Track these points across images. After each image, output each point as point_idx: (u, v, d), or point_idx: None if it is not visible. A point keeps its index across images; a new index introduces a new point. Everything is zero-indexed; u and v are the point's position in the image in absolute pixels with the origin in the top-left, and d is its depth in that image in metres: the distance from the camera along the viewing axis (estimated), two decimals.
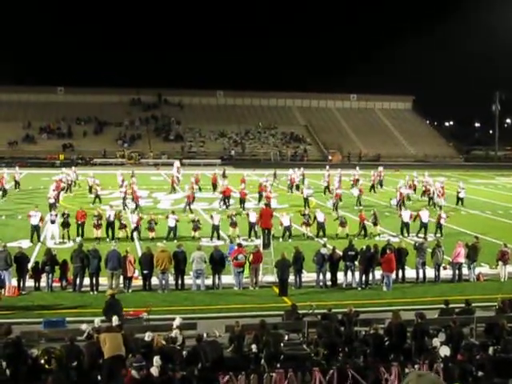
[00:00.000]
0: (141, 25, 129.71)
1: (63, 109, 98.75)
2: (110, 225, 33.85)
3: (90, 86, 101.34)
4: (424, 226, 35.56)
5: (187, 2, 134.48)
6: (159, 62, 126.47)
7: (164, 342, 16.72)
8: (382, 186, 55.56)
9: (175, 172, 55.98)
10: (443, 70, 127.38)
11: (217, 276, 25.81)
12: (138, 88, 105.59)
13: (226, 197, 44.85)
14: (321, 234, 34.93)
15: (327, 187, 51.86)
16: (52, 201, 37.77)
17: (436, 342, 17.11)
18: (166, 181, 58.59)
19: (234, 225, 34.53)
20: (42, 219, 33.08)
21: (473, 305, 21.56)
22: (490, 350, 16.36)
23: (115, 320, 18.32)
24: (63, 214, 33.54)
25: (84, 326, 17.83)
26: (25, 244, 30.67)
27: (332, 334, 17.72)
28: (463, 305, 21.55)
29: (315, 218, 35.38)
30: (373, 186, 53.27)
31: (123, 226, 33.85)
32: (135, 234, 33.71)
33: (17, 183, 52.72)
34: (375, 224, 35.77)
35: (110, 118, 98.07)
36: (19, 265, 24.68)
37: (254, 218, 33.78)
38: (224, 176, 54.75)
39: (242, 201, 44.22)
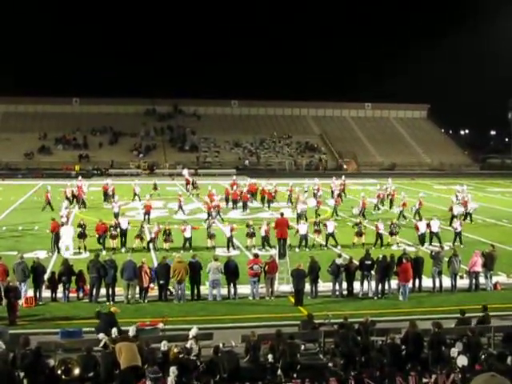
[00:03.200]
0: (155, 36, 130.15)
1: (79, 120, 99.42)
2: (124, 234, 34.01)
3: (105, 97, 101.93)
4: (435, 235, 35.48)
5: (202, 13, 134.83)
6: (174, 72, 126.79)
7: (179, 352, 16.67)
8: (345, 195, 55.23)
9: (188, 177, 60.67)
10: (458, 78, 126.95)
11: (232, 286, 25.82)
12: (153, 98, 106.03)
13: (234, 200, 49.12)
14: (333, 243, 34.97)
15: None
16: (64, 219, 36.23)
17: (453, 351, 16.99)
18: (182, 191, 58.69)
19: (251, 235, 34.57)
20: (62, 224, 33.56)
21: (490, 314, 21.36)
22: (509, 360, 16.23)
23: (132, 330, 18.33)
24: (79, 225, 33.64)
25: (101, 336, 17.85)
26: (41, 255, 30.83)
27: (349, 343, 17.65)
28: (480, 314, 21.30)
29: (325, 227, 35.33)
30: (339, 195, 52.25)
31: (139, 237, 33.95)
32: (151, 245, 33.78)
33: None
34: (392, 234, 35.61)
35: (125, 128, 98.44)
36: (36, 275, 24.75)
37: (263, 229, 34.07)
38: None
39: (245, 204, 48.19)
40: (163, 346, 16.96)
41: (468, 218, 43.21)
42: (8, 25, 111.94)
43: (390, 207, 48.84)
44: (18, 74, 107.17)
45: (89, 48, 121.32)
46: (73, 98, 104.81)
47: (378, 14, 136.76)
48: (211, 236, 34.41)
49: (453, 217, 41.03)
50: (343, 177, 58.98)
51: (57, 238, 33.01)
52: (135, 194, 51.63)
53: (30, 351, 15.90)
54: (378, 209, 48.48)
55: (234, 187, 52.55)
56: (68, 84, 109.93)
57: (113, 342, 17.16)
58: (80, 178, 55.19)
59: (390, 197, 49.83)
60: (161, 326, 20.76)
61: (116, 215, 39.14)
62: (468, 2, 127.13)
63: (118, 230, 34.08)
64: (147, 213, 42.84)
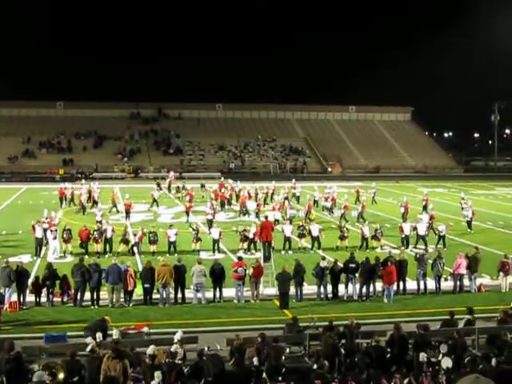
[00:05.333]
0: (139, 39, 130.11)
1: (63, 123, 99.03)
2: (109, 242, 33.91)
3: (89, 101, 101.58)
4: (422, 237, 35.68)
5: (185, 15, 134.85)
6: (158, 75, 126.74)
7: (165, 357, 16.62)
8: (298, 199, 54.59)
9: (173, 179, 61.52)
10: (442, 80, 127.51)
11: (217, 289, 25.80)
12: (138, 102, 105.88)
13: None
14: (316, 245, 35.04)
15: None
16: (46, 225, 34.30)
17: (422, 356, 17.00)
18: (166, 195, 58.83)
19: (244, 239, 34.57)
20: (45, 230, 33.16)
21: (475, 315, 21.42)
22: (493, 362, 16.29)
23: (115, 334, 18.24)
24: (64, 229, 33.51)
25: (88, 340, 17.75)
26: (25, 259, 30.68)
27: (333, 346, 17.65)
28: (467, 316, 21.32)
29: (310, 231, 35.44)
30: (286, 198, 51.71)
31: (125, 241, 33.88)
32: (135, 249, 33.68)
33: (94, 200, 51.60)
34: (376, 238, 35.62)
35: (110, 132, 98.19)
36: (20, 280, 24.61)
37: (252, 232, 33.93)
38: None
39: (223, 203, 49.86)
40: (151, 350, 16.85)
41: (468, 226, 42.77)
42: None
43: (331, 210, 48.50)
44: (1, 77, 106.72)
45: (73, 51, 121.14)
46: (57, 101, 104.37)
47: (362, 16, 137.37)
48: (197, 239, 34.43)
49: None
50: (293, 180, 58.97)
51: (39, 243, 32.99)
52: (154, 200, 51.27)
53: (13, 356, 15.79)
54: (330, 211, 48.04)
55: (222, 189, 53.44)
56: (52, 87, 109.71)
57: (98, 347, 17.08)
58: (83, 181, 56.95)
59: (331, 200, 49.30)
60: (146, 330, 20.69)
61: (99, 223, 37.79)
62: (452, 4, 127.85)
63: (103, 236, 33.93)
64: (127, 211, 43.81)
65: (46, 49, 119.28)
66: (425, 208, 47.20)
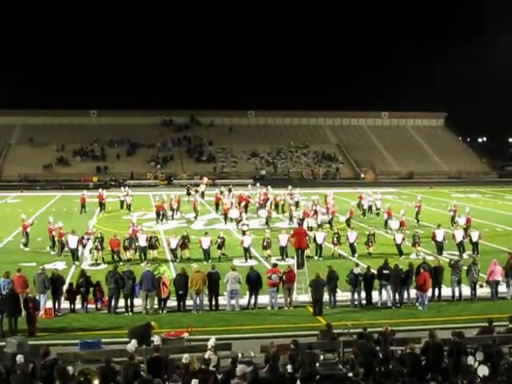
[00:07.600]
0: (171, 47, 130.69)
1: (96, 131, 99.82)
2: (143, 250, 34.07)
3: (122, 109, 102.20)
4: (439, 244, 35.55)
5: (216, 24, 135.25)
6: (190, 83, 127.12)
7: (199, 364, 16.60)
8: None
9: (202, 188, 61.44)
10: (476, 85, 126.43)
11: (253, 296, 25.78)
12: (170, 109, 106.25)
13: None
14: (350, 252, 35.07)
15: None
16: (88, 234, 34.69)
17: (470, 359, 16.85)
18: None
19: (266, 247, 34.59)
20: (80, 241, 33.28)
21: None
22: None
23: (157, 340, 18.33)
24: (96, 238, 33.70)
25: (129, 346, 17.69)
26: (60, 266, 30.97)
27: (368, 353, 17.55)
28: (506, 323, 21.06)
29: (347, 238, 35.33)
30: (277, 205, 52.17)
31: (155, 247, 34.02)
32: (171, 255, 33.79)
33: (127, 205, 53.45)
34: (414, 244, 35.39)
35: (143, 139, 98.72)
36: (54, 287, 24.89)
37: (284, 240, 33.84)
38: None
39: (246, 206, 49.80)
40: (185, 359, 16.84)
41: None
42: (26, 37, 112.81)
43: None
44: (37, 86, 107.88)
45: (106, 60, 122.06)
46: (90, 110, 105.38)
47: (393, 23, 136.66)
48: (220, 246, 34.50)
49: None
50: (290, 187, 57.80)
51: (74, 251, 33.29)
52: (217, 205, 51.26)
53: (49, 362, 15.92)
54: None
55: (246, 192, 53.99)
56: (85, 96, 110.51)
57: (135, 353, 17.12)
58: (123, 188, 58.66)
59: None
60: (186, 335, 20.70)
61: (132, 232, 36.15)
62: (483, 10, 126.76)
63: (136, 244, 34.11)
64: (158, 213, 44.97)
65: (80, 58, 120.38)
66: (417, 214, 46.75)
